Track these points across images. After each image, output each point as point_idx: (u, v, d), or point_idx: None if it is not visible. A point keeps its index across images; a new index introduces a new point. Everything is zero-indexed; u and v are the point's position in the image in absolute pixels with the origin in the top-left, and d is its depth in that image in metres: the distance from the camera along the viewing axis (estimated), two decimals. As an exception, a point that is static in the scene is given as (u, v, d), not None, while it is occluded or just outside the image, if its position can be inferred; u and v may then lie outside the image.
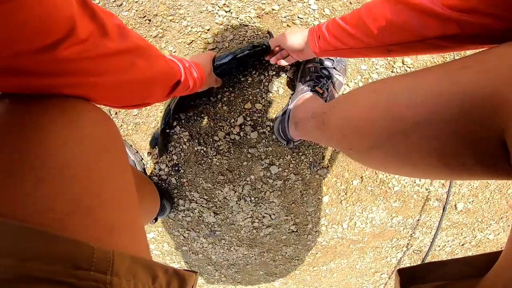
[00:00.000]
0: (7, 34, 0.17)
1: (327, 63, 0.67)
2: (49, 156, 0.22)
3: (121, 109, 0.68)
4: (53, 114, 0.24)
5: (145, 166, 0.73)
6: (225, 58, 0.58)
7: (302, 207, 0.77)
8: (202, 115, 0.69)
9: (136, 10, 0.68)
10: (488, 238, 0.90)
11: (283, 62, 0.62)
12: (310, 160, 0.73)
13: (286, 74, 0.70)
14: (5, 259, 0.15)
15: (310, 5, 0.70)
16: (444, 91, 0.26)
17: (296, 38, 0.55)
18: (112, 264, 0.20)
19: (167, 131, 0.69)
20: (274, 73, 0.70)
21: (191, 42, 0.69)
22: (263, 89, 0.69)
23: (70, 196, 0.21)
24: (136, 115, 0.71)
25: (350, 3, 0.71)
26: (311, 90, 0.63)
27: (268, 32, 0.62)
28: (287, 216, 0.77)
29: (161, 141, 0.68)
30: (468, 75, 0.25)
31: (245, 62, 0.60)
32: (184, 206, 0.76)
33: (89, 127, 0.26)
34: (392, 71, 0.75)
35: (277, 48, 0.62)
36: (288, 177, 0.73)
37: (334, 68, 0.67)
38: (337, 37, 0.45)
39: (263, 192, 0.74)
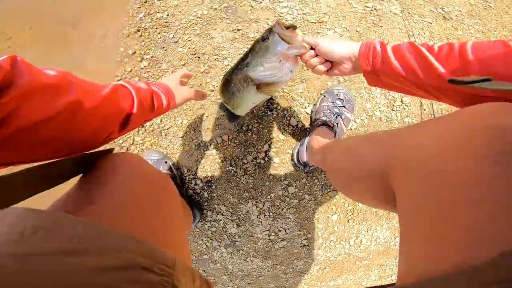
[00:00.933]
0: None
1: (338, 103, 0.82)
2: (143, 205, 0.35)
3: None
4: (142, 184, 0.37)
5: (184, 180, 0.86)
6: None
7: (313, 223, 0.86)
8: (235, 141, 0.83)
9: (189, 48, 0.85)
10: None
11: (321, 67, 0.51)
12: (322, 183, 0.85)
13: (305, 111, 0.85)
14: (128, 253, 0.25)
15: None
16: (375, 155, 0.38)
17: (341, 47, 0.47)
18: (175, 266, 0.29)
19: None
20: (295, 109, 0.85)
21: (229, 81, 0.85)
22: (286, 122, 0.84)
23: (150, 227, 0.34)
24: (182, 137, 0.85)
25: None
26: (324, 125, 0.78)
27: (292, 25, 0.51)
28: (300, 231, 0.87)
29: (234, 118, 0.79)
30: (391, 148, 0.35)
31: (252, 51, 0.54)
32: (211, 217, 0.87)
33: (156, 184, 0.40)
34: (392, 109, 0.89)
35: (305, 50, 0.51)
36: (303, 197, 0.84)
37: (343, 106, 0.82)
38: (413, 70, 0.37)
39: (280, 209, 0.84)
